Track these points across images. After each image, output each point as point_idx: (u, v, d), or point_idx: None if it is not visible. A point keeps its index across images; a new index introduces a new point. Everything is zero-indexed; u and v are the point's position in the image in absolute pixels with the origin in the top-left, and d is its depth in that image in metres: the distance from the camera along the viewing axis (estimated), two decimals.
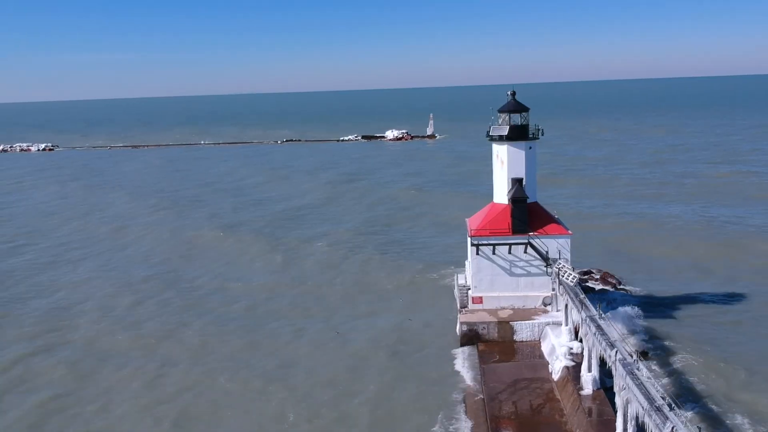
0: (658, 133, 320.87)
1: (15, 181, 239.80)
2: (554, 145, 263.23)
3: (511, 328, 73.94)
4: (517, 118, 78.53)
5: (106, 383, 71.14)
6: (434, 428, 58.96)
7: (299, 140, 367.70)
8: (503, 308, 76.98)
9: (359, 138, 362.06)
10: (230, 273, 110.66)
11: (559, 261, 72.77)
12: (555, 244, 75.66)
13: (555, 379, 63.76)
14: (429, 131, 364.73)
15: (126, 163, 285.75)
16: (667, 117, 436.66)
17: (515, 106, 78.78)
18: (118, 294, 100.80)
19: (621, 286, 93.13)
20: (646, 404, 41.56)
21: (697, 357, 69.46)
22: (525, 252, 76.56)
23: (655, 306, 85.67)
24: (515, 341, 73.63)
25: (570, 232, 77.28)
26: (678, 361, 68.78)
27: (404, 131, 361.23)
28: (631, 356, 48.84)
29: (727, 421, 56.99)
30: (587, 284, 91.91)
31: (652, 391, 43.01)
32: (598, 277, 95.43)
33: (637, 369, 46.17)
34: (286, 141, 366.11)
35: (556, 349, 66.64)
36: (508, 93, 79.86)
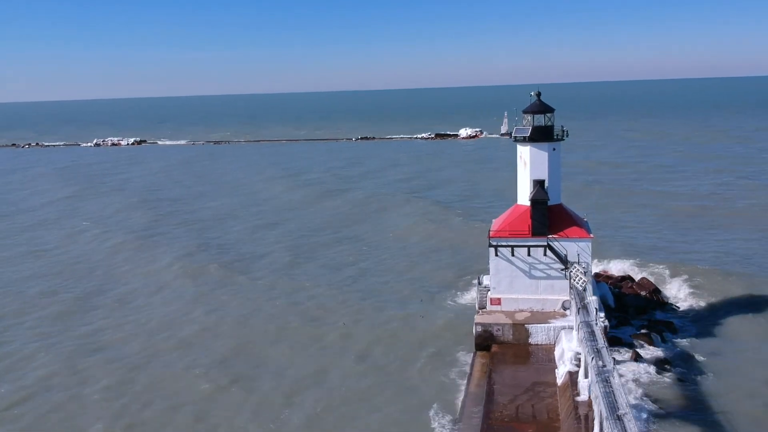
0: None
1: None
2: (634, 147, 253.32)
3: (527, 330, 73.20)
4: (541, 119, 77.67)
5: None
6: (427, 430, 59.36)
7: (373, 138, 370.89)
8: (521, 310, 76.27)
9: (433, 136, 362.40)
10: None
11: (574, 264, 71.68)
12: (575, 248, 74.44)
13: (558, 384, 63.01)
14: (503, 129, 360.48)
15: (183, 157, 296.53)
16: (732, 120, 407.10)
17: (539, 107, 77.90)
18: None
19: (661, 295, 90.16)
20: (605, 412, 40.93)
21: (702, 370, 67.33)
22: (545, 254, 75.66)
23: (691, 312, 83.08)
24: (530, 344, 72.82)
25: (592, 235, 75.78)
26: (682, 370, 66.78)
27: (477, 129, 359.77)
28: (613, 363, 48.03)
29: None
30: (621, 290, 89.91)
31: (620, 400, 42.28)
32: (634, 283, 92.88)
33: (612, 377, 45.37)
34: (360, 138, 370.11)
35: (565, 353, 65.74)
36: (532, 93, 78.99)
